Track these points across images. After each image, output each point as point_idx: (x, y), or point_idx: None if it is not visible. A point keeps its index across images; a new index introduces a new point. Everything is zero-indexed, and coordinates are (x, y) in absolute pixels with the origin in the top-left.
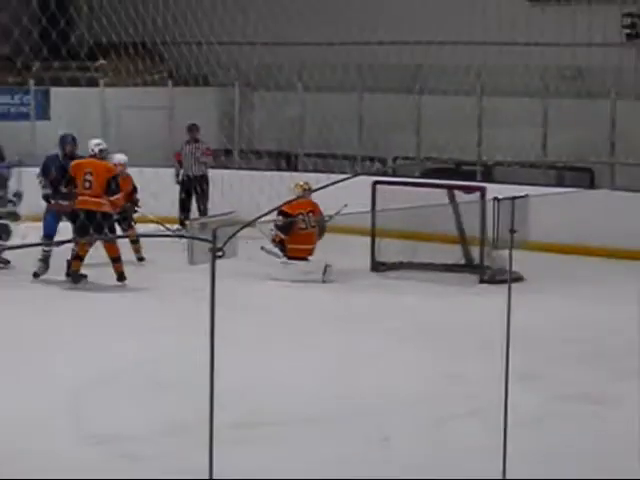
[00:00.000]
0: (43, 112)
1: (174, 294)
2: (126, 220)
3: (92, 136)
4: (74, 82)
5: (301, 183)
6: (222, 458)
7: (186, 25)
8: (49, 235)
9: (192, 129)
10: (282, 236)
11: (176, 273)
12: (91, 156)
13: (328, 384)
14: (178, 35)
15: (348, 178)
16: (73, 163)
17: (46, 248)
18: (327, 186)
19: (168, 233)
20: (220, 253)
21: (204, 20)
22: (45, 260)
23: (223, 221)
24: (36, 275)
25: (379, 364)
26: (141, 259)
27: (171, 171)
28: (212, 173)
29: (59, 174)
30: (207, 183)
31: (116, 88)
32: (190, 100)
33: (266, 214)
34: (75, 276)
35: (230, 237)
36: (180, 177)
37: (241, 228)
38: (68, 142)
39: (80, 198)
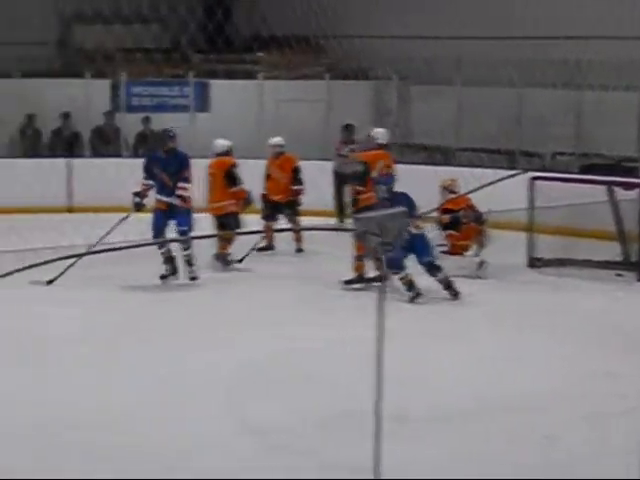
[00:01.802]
0: (202, 104)
1: (331, 286)
2: (292, 209)
3: (249, 128)
4: (233, 74)
5: (448, 182)
6: (370, 452)
7: (346, 18)
8: (156, 235)
9: (348, 129)
10: (454, 233)
11: (336, 264)
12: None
13: (485, 380)
14: (337, 28)
15: (513, 175)
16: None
17: (162, 249)
18: (493, 183)
19: (335, 226)
20: (389, 247)
21: (363, 13)
22: (168, 261)
23: (389, 216)
24: (164, 277)
25: (537, 361)
26: (300, 250)
27: (327, 164)
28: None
29: (169, 170)
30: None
31: (274, 81)
32: (347, 93)
33: (433, 210)
34: (224, 260)
35: (396, 233)
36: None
37: (405, 224)
38: (170, 137)
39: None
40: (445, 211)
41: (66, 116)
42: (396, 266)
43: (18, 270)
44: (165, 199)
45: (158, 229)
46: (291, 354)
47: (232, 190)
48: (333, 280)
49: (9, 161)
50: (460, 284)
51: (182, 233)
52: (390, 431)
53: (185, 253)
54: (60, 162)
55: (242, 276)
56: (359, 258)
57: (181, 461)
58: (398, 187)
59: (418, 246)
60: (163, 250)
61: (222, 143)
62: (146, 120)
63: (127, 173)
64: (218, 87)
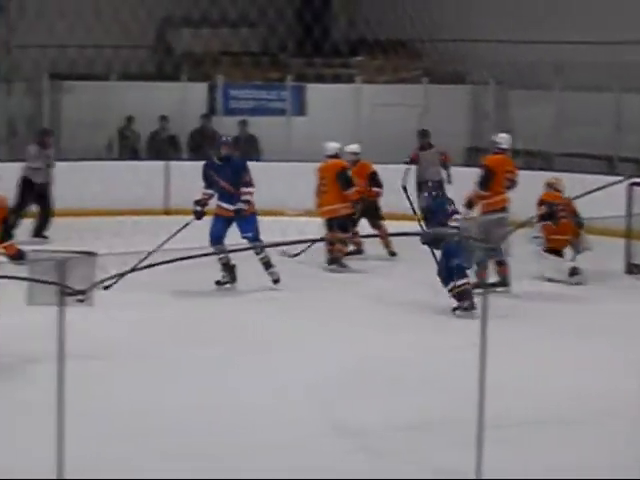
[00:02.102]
0: (299, 108)
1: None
2: (371, 213)
3: (345, 132)
4: (330, 78)
5: (553, 180)
6: (470, 457)
7: (443, 22)
8: (214, 242)
9: (425, 134)
10: (550, 225)
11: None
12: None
13: (583, 386)
14: (434, 32)
15: (620, 182)
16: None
17: (221, 256)
18: (600, 189)
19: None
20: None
21: (460, 17)
22: (226, 269)
23: (495, 221)
24: (219, 283)
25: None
26: (393, 254)
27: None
28: (460, 172)
29: (226, 177)
30: (442, 186)
31: (371, 85)
32: (444, 98)
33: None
34: (339, 263)
35: (502, 237)
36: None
37: (517, 227)
38: (223, 144)
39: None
40: (542, 203)
41: (164, 119)
42: (459, 274)
43: (121, 274)
44: (226, 206)
45: (217, 236)
46: (386, 359)
47: (346, 193)
48: (423, 286)
49: (108, 163)
50: (556, 289)
51: (248, 239)
52: (490, 437)
53: (260, 257)
54: (158, 165)
55: (331, 279)
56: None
57: (278, 461)
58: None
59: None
60: (221, 256)
61: (333, 145)
62: (243, 123)
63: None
64: (315, 91)
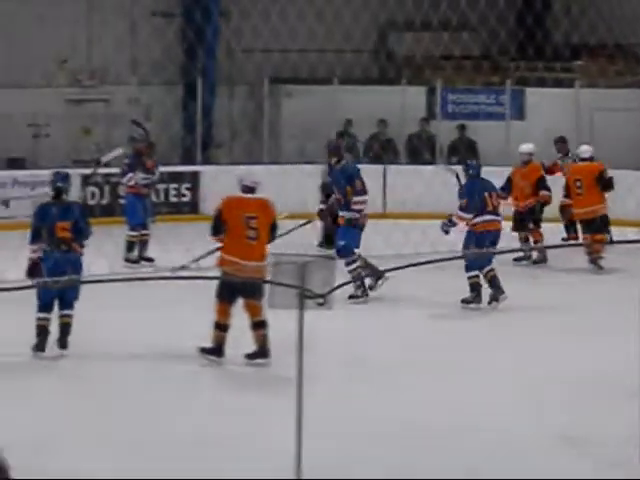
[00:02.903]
0: (518, 112)
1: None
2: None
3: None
4: (551, 83)
5: None
6: None
7: None
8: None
9: (562, 141)
10: None
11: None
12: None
13: None
14: None
15: None
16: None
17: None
18: None
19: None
20: None
21: None
22: (368, 272)
23: None
24: (369, 288)
25: None
26: (600, 267)
27: None
28: None
29: (339, 186)
30: None
31: (590, 89)
32: None
33: None
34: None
35: None
36: None
37: None
38: (331, 151)
39: None
40: None
41: (382, 122)
42: None
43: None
44: (340, 213)
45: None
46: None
47: (606, 193)
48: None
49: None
50: None
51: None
52: None
53: (349, 268)
54: (376, 168)
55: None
56: None
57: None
58: None
59: None
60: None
61: (585, 148)
62: (461, 128)
63: (440, 180)
64: (533, 95)
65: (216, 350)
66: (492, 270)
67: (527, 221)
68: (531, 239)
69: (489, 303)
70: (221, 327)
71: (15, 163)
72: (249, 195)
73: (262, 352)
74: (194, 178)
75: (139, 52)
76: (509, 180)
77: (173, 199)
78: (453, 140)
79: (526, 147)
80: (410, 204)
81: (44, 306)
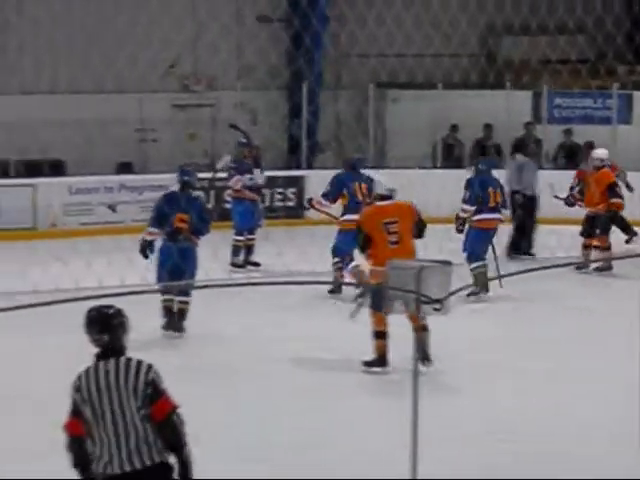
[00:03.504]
0: (625, 116)
1: None
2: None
3: None
4: None
5: None
6: None
7: None
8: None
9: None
10: None
11: None
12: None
13: None
14: None
15: None
16: None
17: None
18: None
19: None
20: None
21: None
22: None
23: None
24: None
25: None
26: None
27: None
28: None
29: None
30: None
31: None
32: None
33: None
34: None
35: None
36: None
37: None
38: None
39: None
40: None
41: (488, 127)
42: None
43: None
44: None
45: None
46: None
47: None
48: None
49: (431, 172)
50: None
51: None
52: None
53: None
54: None
55: None
56: None
57: None
58: None
59: None
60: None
61: (602, 152)
62: (568, 132)
63: (546, 184)
64: None
65: (380, 361)
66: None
67: (595, 227)
68: (594, 246)
69: (468, 295)
70: (381, 335)
71: (123, 168)
72: (385, 202)
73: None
74: (299, 182)
75: (246, 57)
76: (581, 182)
77: (278, 203)
78: (560, 144)
79: (601, 152)
80: None
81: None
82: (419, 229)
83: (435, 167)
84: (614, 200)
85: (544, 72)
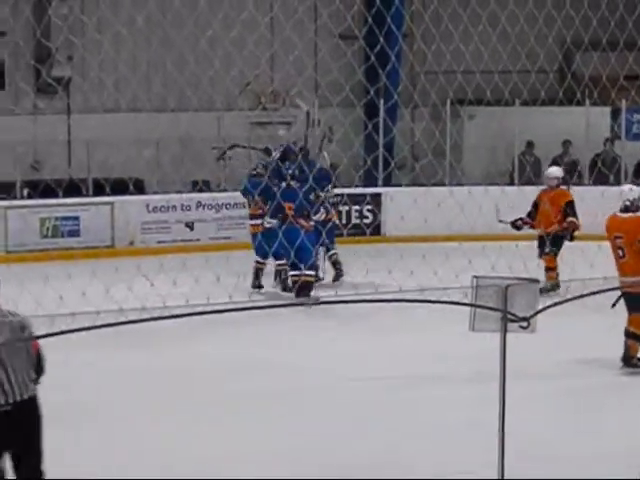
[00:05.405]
0: None
1: None
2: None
3: None
4: None
5: None
6: None
7: None
8: None
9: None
10: None
11: None
12: None
13: None
14: None
15: None
16: None
17: None
18: None
19: None
20: None
21: None
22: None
23: None
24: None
25: None
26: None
27: None
28: None
29: None
30: None
31: None
32: None
33: None
34: None
35: None
36: None
37: None
38: None
39: None
40: None
41: (566, 143)
42: None
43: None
44: None
45: None
46: None
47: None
48: None
49: (507, 189)
50: None
51: None
52: None
53: None
54: None
55: None
56: None
57: None
58: None
59: None
60: None
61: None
62: None
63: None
64: None
65: None
66: None
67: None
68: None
69: None
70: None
71: (199, 186)
72: (623, 214)
73: (624, 358)
74: (376, 199)
75: (321, 74)
76: (535, 205)
77: (355, 220)
78: (639, 161)
79: (556, 170)
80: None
81: (261, 255)
82: None
83: (511, 184)
84: (571, 219)
85: (623, 88)
